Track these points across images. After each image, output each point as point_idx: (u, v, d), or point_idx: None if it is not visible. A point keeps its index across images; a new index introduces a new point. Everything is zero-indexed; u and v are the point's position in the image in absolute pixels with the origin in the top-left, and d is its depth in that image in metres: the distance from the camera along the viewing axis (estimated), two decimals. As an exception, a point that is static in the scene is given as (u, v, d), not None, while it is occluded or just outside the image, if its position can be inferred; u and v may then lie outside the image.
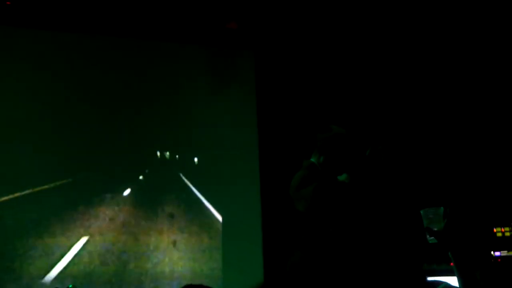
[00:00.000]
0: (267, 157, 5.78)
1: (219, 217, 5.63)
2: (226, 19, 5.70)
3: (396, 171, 2.81)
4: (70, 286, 4.51)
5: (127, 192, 5.53)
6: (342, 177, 3.05)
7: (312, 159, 3.08)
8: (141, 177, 5.58)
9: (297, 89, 5.89)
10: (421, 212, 2.68)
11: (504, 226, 4.83)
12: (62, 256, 5.06)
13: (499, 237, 4.81)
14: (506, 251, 4.77)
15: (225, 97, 5.87)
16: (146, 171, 5.61)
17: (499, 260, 4.69)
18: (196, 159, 5.74)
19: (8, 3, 4.96)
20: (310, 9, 5.48)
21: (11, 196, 5.04)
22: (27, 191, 5.07)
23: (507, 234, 4.83)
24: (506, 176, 5.18)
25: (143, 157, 5.62)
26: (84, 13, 5.33)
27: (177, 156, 5.71)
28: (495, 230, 4.80)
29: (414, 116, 5.68)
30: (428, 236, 2.67)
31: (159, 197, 5.59)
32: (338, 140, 3.00)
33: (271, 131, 5.85)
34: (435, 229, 2.62)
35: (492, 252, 4.72)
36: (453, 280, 3.86)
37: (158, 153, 5.65)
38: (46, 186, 5.14)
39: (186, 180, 5.67)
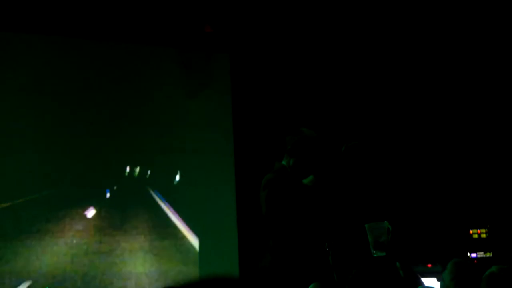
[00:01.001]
0: (242, 161, 5.73)
1: (194, 223, 5.57)
2: (202, 23, 5.65)
3: (372, 166, 2.83)
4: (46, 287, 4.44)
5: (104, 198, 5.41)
6: (307, 180, 3.04)
7: (283, 162, 3.07)
8: (114, 188, 5.45)
9: (272, 92, 5.86)
10: (366, 226, 2.69)
11: (480, 228, 4.86)
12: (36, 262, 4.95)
13: (475, 238, 4.83)
14: (482, 253, 4.80)
15: (200, 101, 5.80)
16: (114, 188, 5.48)
17: (475, 261, 4.71)
18: (169, 165, 5.65)
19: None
20: (285, 12, 5.47)
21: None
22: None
23: (483, 235, 4.86)
24: (483, 178, 5.22)
25: (115, 160, 5.50)
26: (54, 14, 5.21)
27: (149, 165, 5.60)
28: (471, 231, 4.83)
29: (385, 118, 5.70)
30: (373, 250, 2.68)
31: (128, 212, 5.49)
32: (308, 143, 3.00)
33: (246, 134, 5.80)
34: (382, 242, 2.64)
35: (468, 254, 4.74)
36: (431, 282, 3.87)
37: (128, 169, 5.52)
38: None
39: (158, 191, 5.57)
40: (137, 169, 5.51)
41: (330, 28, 5.64)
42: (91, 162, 5.32)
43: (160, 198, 5.53)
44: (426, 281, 3.27)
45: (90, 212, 5.28)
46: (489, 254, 4.77)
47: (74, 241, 5.12)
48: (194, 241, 5.53)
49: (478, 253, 4.79)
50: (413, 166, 5.46)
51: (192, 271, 5.44)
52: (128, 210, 5.42)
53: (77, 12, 5.19)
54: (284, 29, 5.67)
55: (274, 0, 5.34)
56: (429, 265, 4.26)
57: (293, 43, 5.80)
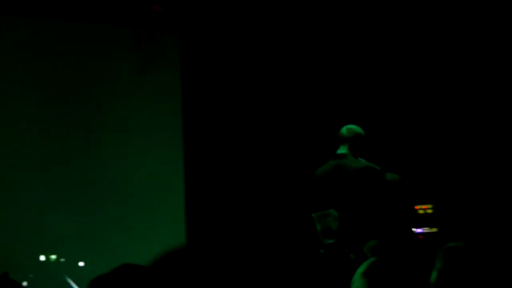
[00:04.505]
0: (191, 143, 5.68)
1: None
2: (152, 1, 5.55)
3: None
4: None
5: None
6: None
7: (343, 151, 3.68)
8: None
9: (222, 74, 5.81)
10: (313, 215, 2.76)
11: (425, 204, 4.92)
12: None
13: (420, 214, 4.89)
14: (428, 228, 4.87)
15: (148, 81, 5.70)
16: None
17: (420, 236, 4.77)
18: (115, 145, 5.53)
19: None
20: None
21: None
22: None
23: (429, 211, 4.93)
24: (428, 154, 5.29)
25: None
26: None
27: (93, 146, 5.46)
28: (416, 207, 4.88)
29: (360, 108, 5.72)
30: (322, 238, 2.71)
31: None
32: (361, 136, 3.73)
33: (195, 117, 5.75)
34: (333, 229, 2.67)
35: (413, 229, 4.79)
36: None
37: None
38: None
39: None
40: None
41: (286, 7, 5.59)
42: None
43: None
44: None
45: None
46: (435, 229, 4.84)
47: None
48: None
49: (424, 228, 4.85)
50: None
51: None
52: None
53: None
54: (235, 10, 5.61)
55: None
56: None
57: (245, 22, 5.75)
